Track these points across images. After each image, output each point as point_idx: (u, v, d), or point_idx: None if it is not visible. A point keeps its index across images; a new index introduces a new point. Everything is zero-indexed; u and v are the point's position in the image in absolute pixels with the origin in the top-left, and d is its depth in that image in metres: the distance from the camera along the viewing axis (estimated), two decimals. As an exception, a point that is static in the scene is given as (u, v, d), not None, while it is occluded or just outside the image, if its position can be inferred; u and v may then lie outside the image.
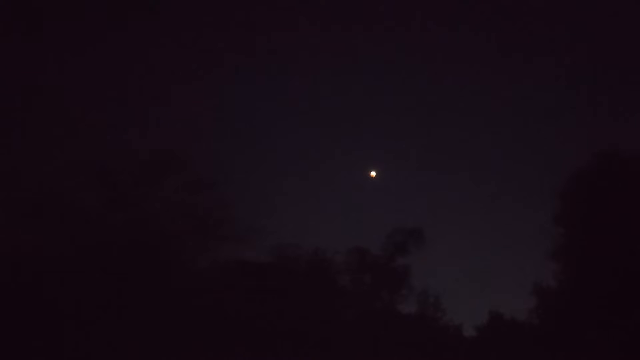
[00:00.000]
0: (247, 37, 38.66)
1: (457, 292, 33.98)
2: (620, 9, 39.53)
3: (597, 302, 24.01)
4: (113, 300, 24.79)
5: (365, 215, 35.83)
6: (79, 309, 24.00)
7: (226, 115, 36.27)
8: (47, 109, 26.28)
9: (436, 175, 39.87)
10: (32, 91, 25.75)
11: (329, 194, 37.94)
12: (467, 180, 38.61)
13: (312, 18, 39.56)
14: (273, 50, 39.35)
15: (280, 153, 37.70)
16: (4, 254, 23.78)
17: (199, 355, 25.75)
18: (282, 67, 39.73)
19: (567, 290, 26.09)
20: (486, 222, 37.82)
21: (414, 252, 32.71)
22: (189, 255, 28.03)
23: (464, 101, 42.54)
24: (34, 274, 23.65)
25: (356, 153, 38.63)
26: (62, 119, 26.20)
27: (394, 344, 29.68)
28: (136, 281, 25.30)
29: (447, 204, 38.82)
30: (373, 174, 35.23)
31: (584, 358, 24.47)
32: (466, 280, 35.03)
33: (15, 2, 27.34)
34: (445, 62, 42.29)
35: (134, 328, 24.39)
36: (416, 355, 29.36)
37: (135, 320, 24.54)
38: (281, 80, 40.27)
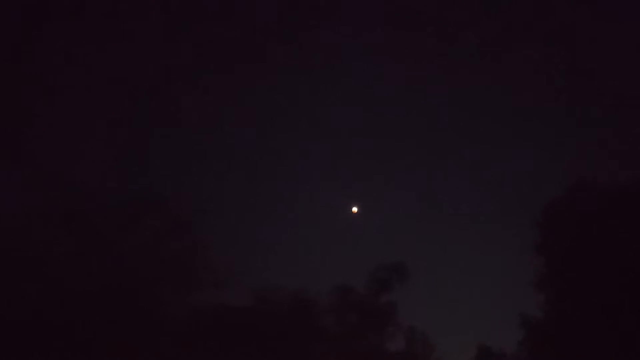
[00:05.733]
0: (226, 81, 38.72)
1: (443, 327, 33.27)
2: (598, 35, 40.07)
3: (583, 331, 23.65)
4: (87, 350, 24.11)
5: (347, 253, 35.21)
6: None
7: (203, 157, 35.92)
8: (16, 150, 25.99)
9: (418, 209, 39.50)
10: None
11: (309, 232, 37.34)
12: (448, 212, 38.25)
13: (286, 60, 39.79)
14: (249, 90, 39.36)
15: (258, 192, 37.26)
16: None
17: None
18: (259, 108, 39.71)
19: (552, 321, 25.68)
20: (470, 253, 37.27)
21: (399, 288, 32.17)
22: (166, 301, 27.44)
23: (441, 135, 42.54)
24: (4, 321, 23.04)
25: (336, 190, 38.26)
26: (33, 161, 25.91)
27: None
28: (112, 329, 24.67)
29: (430, 238, 38.37)
30: (355, 209, 34.85)
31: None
32: (452, 313, 34.40)
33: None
34: (422, 99, 42.38)
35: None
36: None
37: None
38: (258, 119, 40.14)
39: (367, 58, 40.98)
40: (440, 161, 41.42)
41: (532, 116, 40.53)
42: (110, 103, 30.61)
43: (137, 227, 26.80)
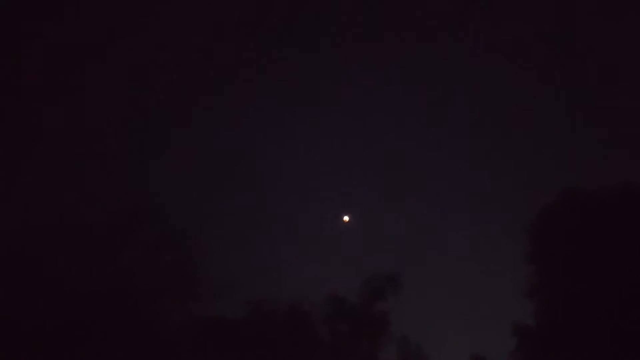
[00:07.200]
0: (222, 94, 38.93)
1: (437, 337, 33.37)
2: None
3: (575, 339, 23.89)
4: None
5: (340, 262, 35.25)
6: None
7: (196, 169, 35.99)
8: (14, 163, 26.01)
9: (410, 218, 39.73)
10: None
11: (302, 242, 37.39)
12: (440, 221, 38.52)
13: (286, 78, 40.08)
14: (245, 104, 39.65)
15: (252, 204, 37.35)
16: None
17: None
18: (253, 121, 39.94)
19: (545, 329, 25.91)
20: (463, 262, 37.51)
21: (392, 297, 32.32)
22: (163, 312, 27.41)
23: (434, 144, 42.90)
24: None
25: (328, 199, 38.39)
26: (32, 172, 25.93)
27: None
28: (108, 339, 24.63)
29: (422, 247, 38.55)
30: (346, 218, 35.01)
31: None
32: (445, 323, 34.53)
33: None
34: (413, 107, 42.76)
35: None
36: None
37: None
38: (251, 131, 40.34)
39: (363, 65, 41.39)
40: (432, 171, 41.77)
41: (523, 125, 41.03)
42: (110, 114, 30.71)
43: (134, 238, 26.87)
